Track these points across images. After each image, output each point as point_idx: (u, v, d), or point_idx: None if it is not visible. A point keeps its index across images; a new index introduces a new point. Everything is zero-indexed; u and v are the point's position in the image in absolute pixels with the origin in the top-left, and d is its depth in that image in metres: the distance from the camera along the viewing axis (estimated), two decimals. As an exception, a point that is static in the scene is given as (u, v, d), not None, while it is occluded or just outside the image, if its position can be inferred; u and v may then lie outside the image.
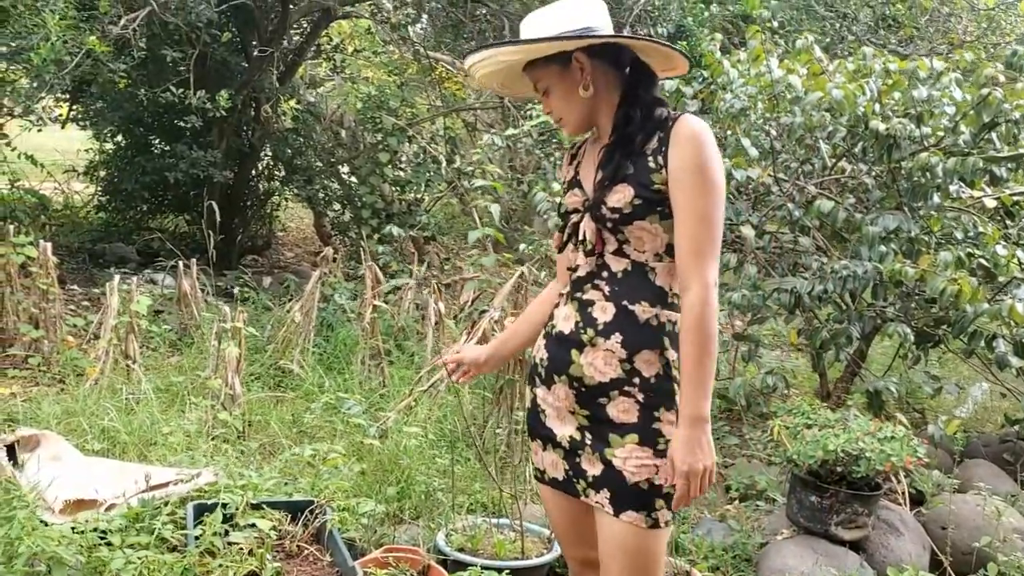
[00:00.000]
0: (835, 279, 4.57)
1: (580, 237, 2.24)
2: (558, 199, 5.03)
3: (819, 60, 4.89)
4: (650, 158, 2.15)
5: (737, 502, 4.40)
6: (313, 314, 5.94)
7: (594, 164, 2.27)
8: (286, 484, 3.61)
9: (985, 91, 4.47)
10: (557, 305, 2.35)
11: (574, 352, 2.21)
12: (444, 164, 7.60)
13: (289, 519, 3.25)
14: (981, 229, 4.81)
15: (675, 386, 2.15)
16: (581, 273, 2.26)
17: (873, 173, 5.14)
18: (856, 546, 3.89)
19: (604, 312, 2.18)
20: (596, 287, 2.22)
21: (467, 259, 10.74)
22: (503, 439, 4.33)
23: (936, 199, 4.64)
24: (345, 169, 9.29)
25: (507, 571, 3.20)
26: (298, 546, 3.18)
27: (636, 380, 2.15)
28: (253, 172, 9.20)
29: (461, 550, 3.45)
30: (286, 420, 4.77)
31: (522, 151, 5.66)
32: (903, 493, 4.40)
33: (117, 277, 5.53)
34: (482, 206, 4.64)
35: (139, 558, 2.50)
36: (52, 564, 2.43)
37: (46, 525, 2.80)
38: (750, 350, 4.74)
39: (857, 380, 5.85)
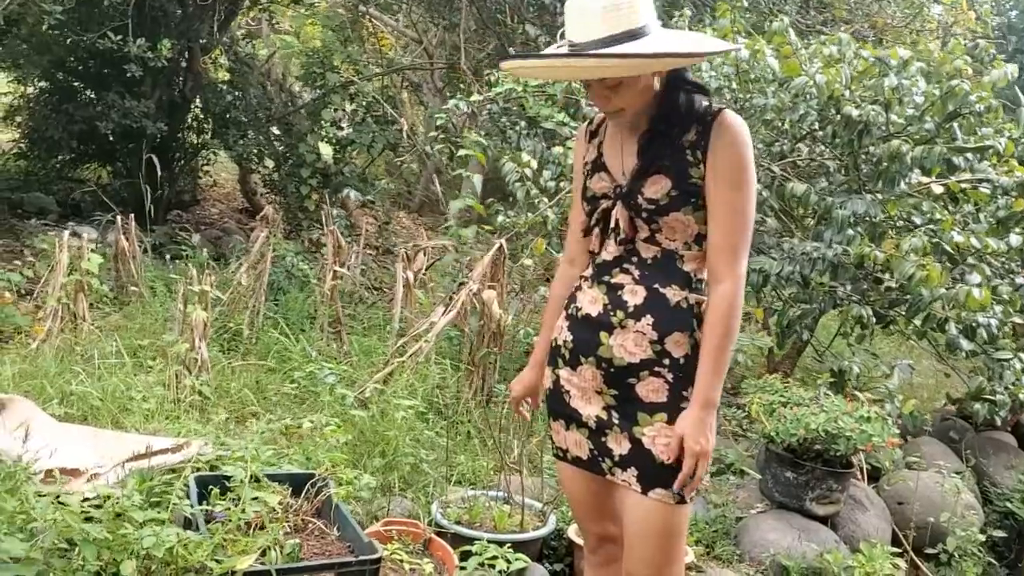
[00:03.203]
0: (805, 260, 4.69)
1: (613, 225, 2.24)
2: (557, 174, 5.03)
3: (792, 43, 4.96)
4: (688, 152, 2.16)
5: (709, 476, 4.49)
6: (265, 277, 5.78)
7: (620, 149, 2.27)
8: (278, 456, 3.53)
9: (954, 82, 4.62)
10: (579, 288, 2.36)
11: (603, 334, 2.23)
12: (405, 126, 7.43)
13: (290, 492, 3.18)
14: (938, 215, 4.99)
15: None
16: (607, 257, 2.28)
17: (834, 157, 5.27)
18: (827, 521, 4.03)
19: (634, 295, 2.21)
20: (625, 271, 2.24)
21: (400, 224, 10.66)
22: (482, 413, 4.32)
23: (903, 185, 4.79)
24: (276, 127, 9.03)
25: (508, 544, 3.22)
26: (303, 520, 3.12)
27: (666, 361, 2.17)
28: (182, 125, 8.86)
29: (458, 523, 3.44)
30: (250, 387, 4.65)
31: (486, 118, 5.59)
32: (860, 469, 4.57)
33: (67, 233, 5.28)
34: (464, 176, 4.58)
35: (168, 536, 2.41)
36: (81, 542, 2.33)
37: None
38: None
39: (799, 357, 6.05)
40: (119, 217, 6.42)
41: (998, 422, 4.91)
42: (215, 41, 8.31)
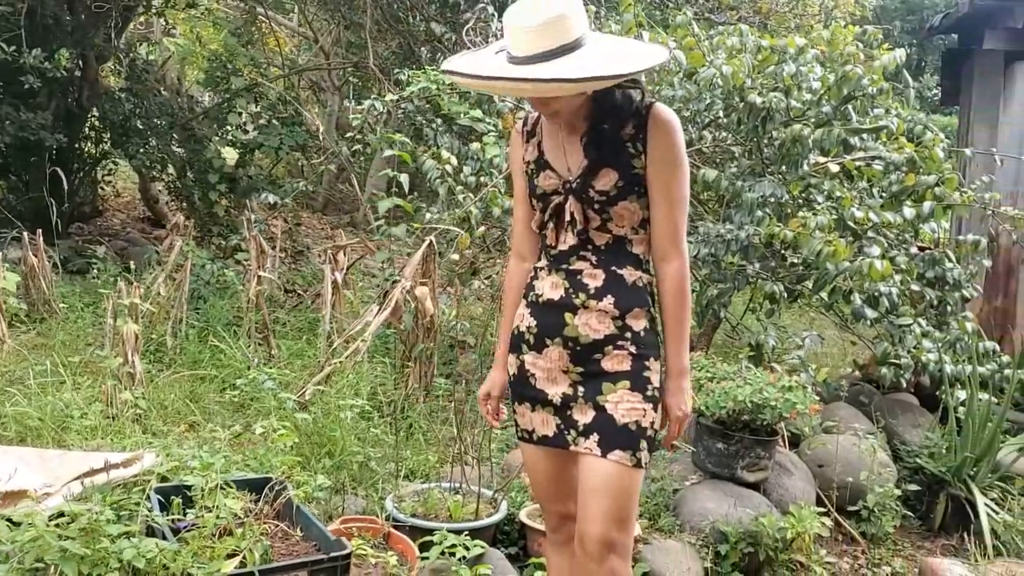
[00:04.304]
0: (719, 242, 4.92)
1: (568, 218, 2.38)
2: (449, 167, 5.13)
3: (696, 36, 5.18)
4: (628, 144, 2.33)
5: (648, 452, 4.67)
6: (185, 286, 5.74)
7: (562, 146, 2.41)
8: (229, 463, 3.56)
9: (848, 67, 4.90)
10: (535, 277, 2.49)
11: (567, 315, 2.38)
12: (320, 128, 7.42)
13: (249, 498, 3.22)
14: (838, 193, 5.28)
15: (658, 338, 2.42)
16: (564, 247, 2.42)
17: (738, 142, 5.52)
18: (757, 487, 4.26)
19: (594, 278, 2.37)
20: (583, 258, 2.40)
21: (306, 225, 10.61)
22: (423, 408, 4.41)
23: (805, 167, 5.05)
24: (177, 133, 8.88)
25: (465, 532, 3.33)
26: (265, 523, 3.17)
27: (628, 335, 2.36)
28: (80, 135, 8.66)
29: (414, 515, 3.54)
30: (186, 397, 4.65)
31: (401, 117, 5.66)
32: (782, 436, 4.82)
33: (-19, 253, 5.15)
34: (391, 175, 4.66)
35: (148, 547, 2.45)
36: (60, 559, 2.36)
37: None
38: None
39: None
40: (25, 233, 6.29)
41: (903, 384, 5.23)
42: (111, 49, 8.14)
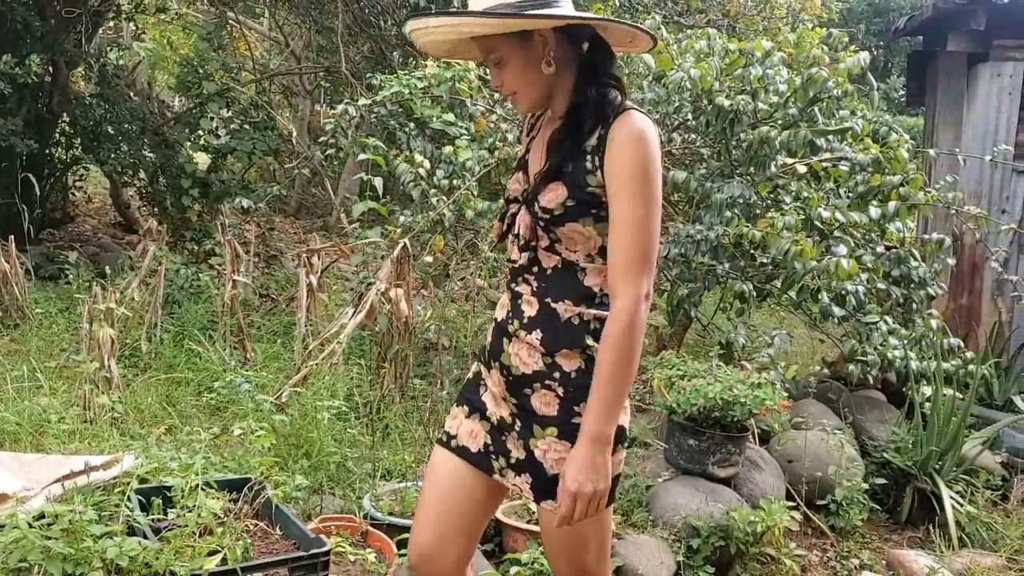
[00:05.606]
0: (689, 243, 5.01)
1: (516, 231, 2.17)
2: (420, 169, 5.18)
3: (664, 39, 5.27)
4: (588, 157, 2.04)
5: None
6: (160, 290, 5.76)
7: (543, 148, 2.17)
8: (208, 465, 3.59)
9: (813, 70, 5.00)
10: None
11: (505, 341, 2.20)
12: (294, 132, 7.44)
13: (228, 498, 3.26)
14: (805, 193, 5.38)
15: None
16: (516, 265, 2.21)
17: (706, 144, 5.62)
18: (728, 482, 4.34)
19: (530, 306, 2.15)
20: (526, 281, 2.17)
21: (279, 229, 10.62)
22: (399, 409, 4.46)
23: (773, 168, 5.15)
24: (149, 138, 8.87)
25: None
26: (244, 522, 3.21)
27: (556, 374, 2.10)
28: (50, 141, 8.63)
29: (391, 514, 3.59)
30: (162, 400, 4.67)
31: (374, 120, 5.70)
32: (752, 433, 4.91)
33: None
34: (364, 179, 4.71)
35: (131, 545, 2.49)
36: (44, 559, 2.39)
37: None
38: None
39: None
40: (-3, 240, 6.29)
41: (871, 381, 5.34)
42: (82, 54, 8.12)
